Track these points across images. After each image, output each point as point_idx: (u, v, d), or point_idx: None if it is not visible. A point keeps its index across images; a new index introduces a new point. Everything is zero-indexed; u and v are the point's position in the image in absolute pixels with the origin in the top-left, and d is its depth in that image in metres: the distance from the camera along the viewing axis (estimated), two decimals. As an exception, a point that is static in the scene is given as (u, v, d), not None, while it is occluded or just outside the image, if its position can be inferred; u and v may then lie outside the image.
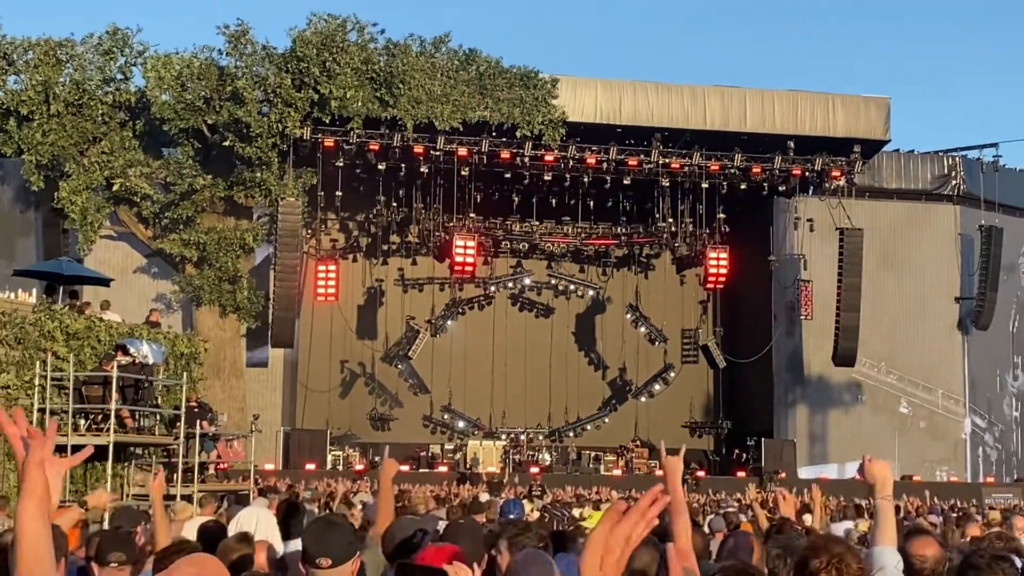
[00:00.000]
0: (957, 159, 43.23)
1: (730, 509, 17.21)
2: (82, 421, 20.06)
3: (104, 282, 26.66)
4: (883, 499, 5.22)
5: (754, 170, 37.90)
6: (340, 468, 35.87)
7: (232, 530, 8.55)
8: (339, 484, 27.30)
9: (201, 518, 11.53)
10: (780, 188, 39.28)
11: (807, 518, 14.89)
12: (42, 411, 19.31)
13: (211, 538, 8.15)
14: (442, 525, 8.40)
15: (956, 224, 42.74)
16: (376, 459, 38.15)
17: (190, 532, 9.63)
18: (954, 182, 42.60)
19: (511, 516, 10.47)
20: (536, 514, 14.96)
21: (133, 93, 34.54)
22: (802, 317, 40.22)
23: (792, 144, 37.31)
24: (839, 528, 14.83)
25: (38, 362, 19.42)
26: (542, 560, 4.95)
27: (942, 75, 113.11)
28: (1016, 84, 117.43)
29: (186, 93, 33.26)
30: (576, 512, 15.74)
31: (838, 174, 37.95)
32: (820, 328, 39.29)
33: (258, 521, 8.74)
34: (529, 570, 4.93)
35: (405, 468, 37.03)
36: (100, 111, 33.72)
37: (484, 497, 18.14)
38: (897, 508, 24.62)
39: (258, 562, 6.99)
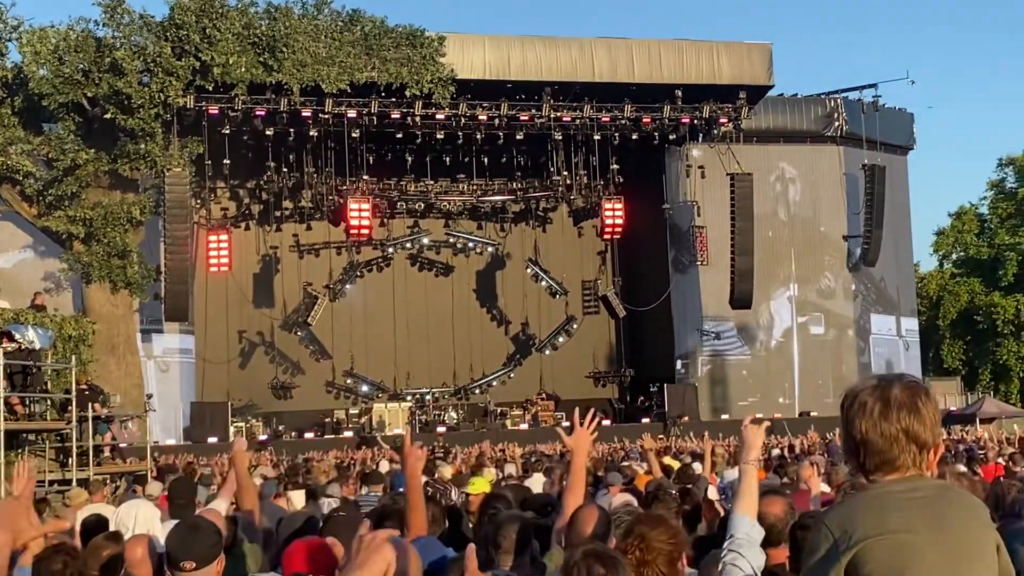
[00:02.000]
0: (839, 100, 43.82)
1: (627, 462, 17.37)
2: (-30, 410, 19.60)
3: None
4: (748, 463, 5.26)
5: (644, 120, 38.10)
6: (232, 441, 35.56)
7: (112, 526, 8.42)
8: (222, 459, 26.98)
9: (91, 506, 11.36)
10: (671, 137, 39.61)
11: (696, 466, 15.15)
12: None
13: (94, 532, 8.03)
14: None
15: (841, 164, 43.40)
16: (280, 428, 37.98)
17: (78, 523, 9.47)
18: (837, 123, 43.20)
19: (401, 490, 10.44)
20: (448, 475, 14.98)
21: (10, 69, 33.56)
22: (698, 263, 40.66)
23: (680, 93, 37.53)
24: (733, 473, 15.08)
25: (-79, 353, 18.92)
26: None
27: (821, 19, 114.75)
28: (893, 24, 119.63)
29: (64, 66, 32.40)
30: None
31: (725, 120, 38.30)
32: (716, 272, 39.73)
33: (137, 515, 8.63)
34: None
35: (310, 435, 36.93)
36: (-24, 89, 32.75)
37: (384, 466, 18.10)
38: (791, 447, 25.18)
39: (136, 556, 6.88)
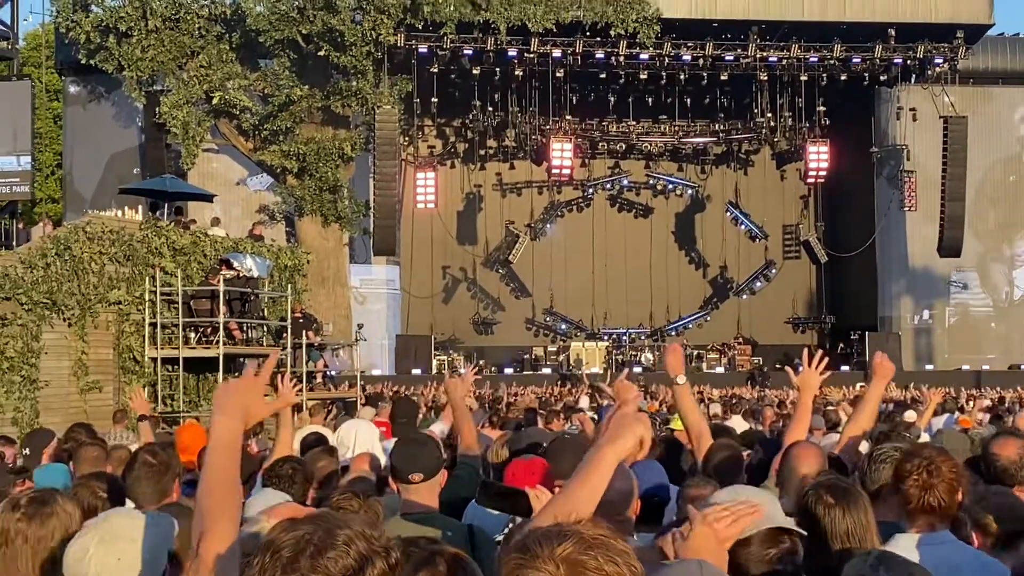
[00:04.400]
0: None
1: (829, 408, 17.19)
2: (192, 334, 20.62)
3: (207, 198, 27.13)
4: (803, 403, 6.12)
5: (854, 60, 37.07)
6: (445, 372, 36.41)
7: (333, 442, 8.86)
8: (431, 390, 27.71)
9: (311, 426, 11.90)
10: (881, 78, 38.38)
11: (909, 414, 14.91)
12: (153, 325, 19.89)
13: (311, 449, 8.47)
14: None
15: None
16: (481, 363, 38.69)
17: (296, 441, 9.98)
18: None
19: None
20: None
21: (228, 6, 34.76)
22: (906, 209, 39.48)
23: (893, 32, 36.32)
24: (939, 421, 14.81)
25: (147, 278, 19.92)
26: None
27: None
28: None
29: (280, 3, 33.42)
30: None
31: (941, 61, 36.94)
32: (925, 219, 38.56)
33: (357, 434, 9.04)
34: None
35: (509, 371, 37.53)
36: (197, 25, 34.04)
37: (584, 402, 18.36)
38: (1002, 399, 24.42)
39: (359, 468, 7.27)
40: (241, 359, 21.23)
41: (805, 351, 7.52)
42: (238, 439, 3.14)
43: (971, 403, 20.48)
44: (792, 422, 6.28)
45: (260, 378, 3.28)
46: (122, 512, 4.09)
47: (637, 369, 36.98)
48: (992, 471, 5.41)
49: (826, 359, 6.20)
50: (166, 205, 25.23)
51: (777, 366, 39.95)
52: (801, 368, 6.21)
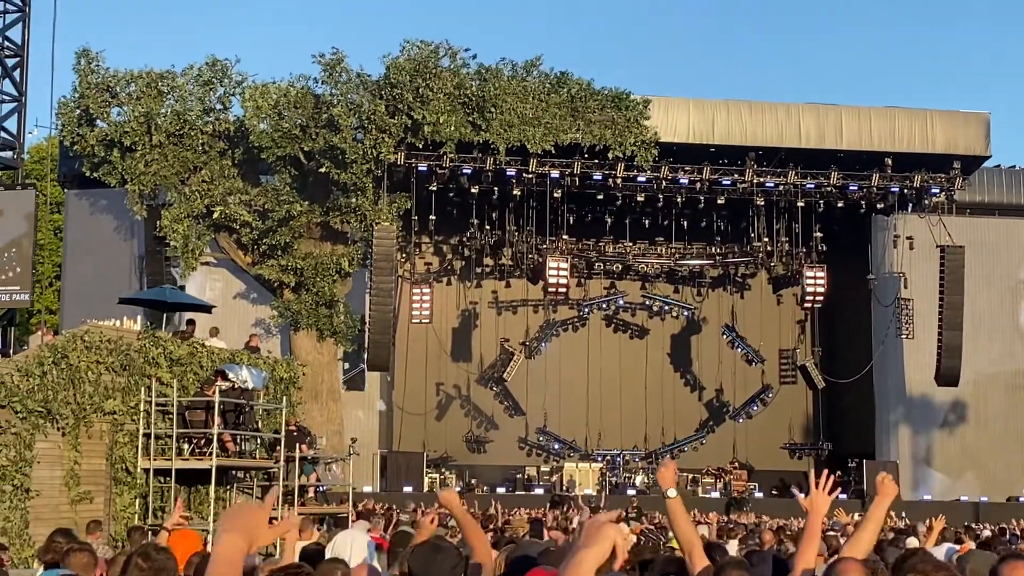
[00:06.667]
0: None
1: (830, 532, 16.96)
2: (186, 446, 20.41)
3: (206, 308, 27.13)
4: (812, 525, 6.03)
5: (851, 188, 37.47)
6: (437, 491, 36.00)
7: (329, 553, 8.69)
8: (432, 512, 27.37)
9: (302, 542, 11.69)
10: (878, 206, 38.77)
11: (911, 541, 14.72)
12: (147, 436, 19.71)
13: (312, 561, 8.29)
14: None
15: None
16: (472, 482, 38.31)
17: (293, 554, 9.79)
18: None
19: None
20: (633, 537, 14.90)
21: (232, 122, 35.20)
22: (903, 336, 39.49)
23: (890, 161, 36.81)
24: (940, 551, 14.58)
25: (143, 388, 19.80)
26: None
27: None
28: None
29: (283, 121, 33.84)
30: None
31: (938, 191, 37.33)
32: (921, 347, 38.54)
33: (353, 544, 8.87)
34: None
35: (501, 490, 37.15)
36: (200, 140, 34.44)
37: (575, 521, 18.11)
38: (1003, 530, 24.11)
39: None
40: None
41: (812, 473, 7.42)
42: (241, 557, 3.31)
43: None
44: (801, 545, 6.15)
45: (267, 504, 3.60)
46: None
47: (631, 492, 36.66)
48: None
49: (832, 479, 6.09)
50: (177, 316, 25.20)
51: (773, 492, 39.70)
52: (809, 492, 6.10)
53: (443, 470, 38.93)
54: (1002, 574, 5.45)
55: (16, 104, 34.62)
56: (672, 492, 6.15)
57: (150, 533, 16.79)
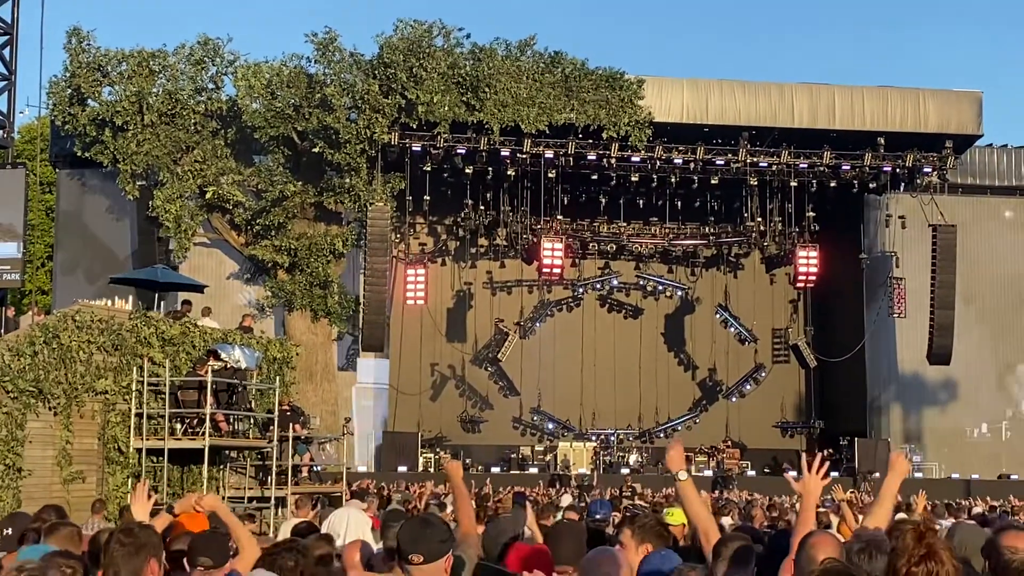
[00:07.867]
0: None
1: (821, 509, 17.01)
2: (178, 425, 20.38)
3: (198, 288, 27.06)
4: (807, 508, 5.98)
5: (844, 167, 37.48)
6: (432, 471, 36.10)
7: (324, 530, 8.71)
8: (428, 486, 27.52)
9: (295, 519, 11.73)
10: (871, 185, 38.82)
11: (899, 516, 14.76)
12: (139, 415, 19.68)
13: (304, 537, 8.32)
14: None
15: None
16: (467, 461, 38.38)
17: (285, 532, 9.83)
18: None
19: (598, 516, 10.52)
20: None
21: (224, 102, 35.09)
22: (895, 315, 39.58)
23: (882, 140, 36.80)
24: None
25: (135, 368, 19.75)
26: (608, 556, 5.02)
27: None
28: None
29: (276, 101, 33.75)
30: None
31: (930, 170, 37.35)
32: (913, 326, 38.64)
33: (348, 521, 8.88)
34: (597, 568, 4.99)
35: (496, 470, 37.21)
36: (192, 120, 34.34)
37: (566, 500, 18.18)
38: (992, 508, 24.20)
39: (352, 559, 7.13)
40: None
41: (803, 456, 7.45)
42: None
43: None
44: (796, 527, 6.16)
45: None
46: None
47: (625, 471, 36.74)
48: (999, 565, 5.28)
49: (827, 464, 6.10)
50: (171, 296, 25.15)
51: (766, 470, 39.85)
52: (802, 474, 6.12)
53: (438, 450, 38.97)
54: (1001, 544, 5.44)
55: (6, 83, 34.47)
56: (683, 475, 6.13)
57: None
